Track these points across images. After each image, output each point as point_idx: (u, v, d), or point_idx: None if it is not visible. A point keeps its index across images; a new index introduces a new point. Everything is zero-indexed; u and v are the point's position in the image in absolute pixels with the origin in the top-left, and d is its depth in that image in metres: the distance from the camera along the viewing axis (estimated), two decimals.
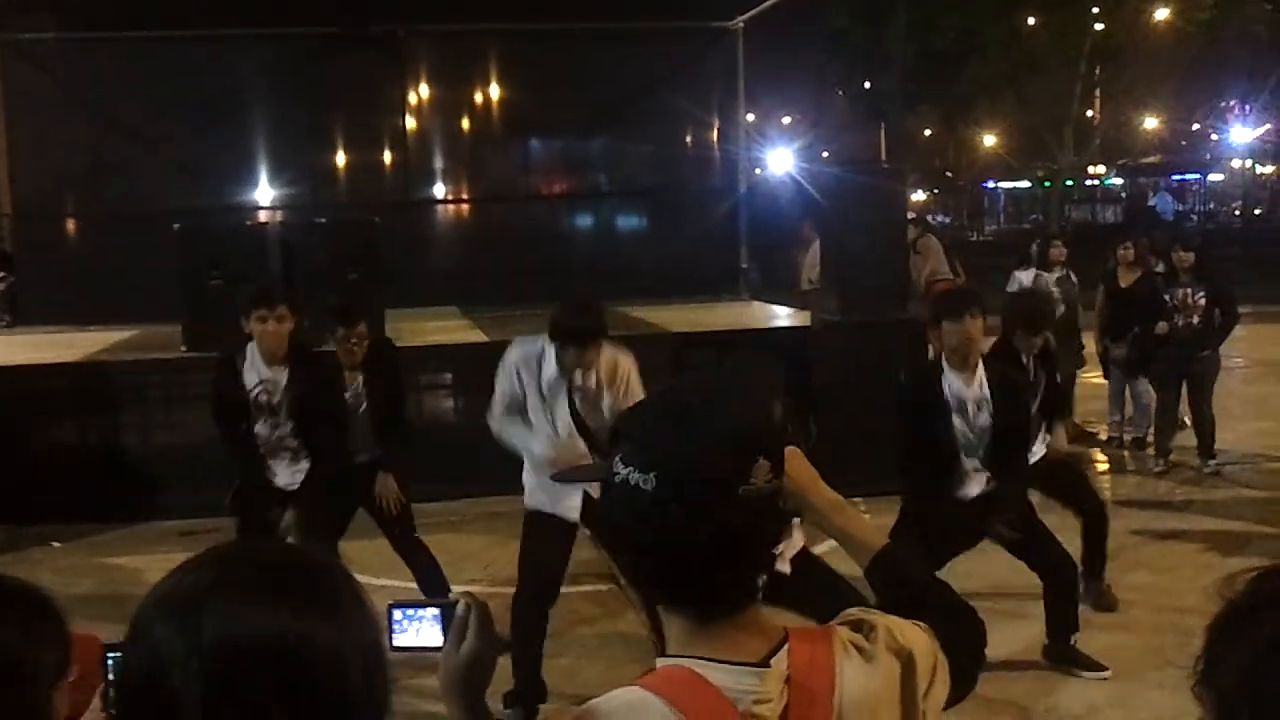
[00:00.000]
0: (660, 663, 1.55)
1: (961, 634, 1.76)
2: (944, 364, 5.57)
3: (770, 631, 1.56)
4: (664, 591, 1.57)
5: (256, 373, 5.66)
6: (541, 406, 5.36)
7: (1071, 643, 5.76)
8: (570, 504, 5.22)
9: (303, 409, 5.70)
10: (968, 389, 5.50)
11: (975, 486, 5.61)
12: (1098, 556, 6.44)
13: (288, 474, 5.77)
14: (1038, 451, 6.25)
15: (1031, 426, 6.11)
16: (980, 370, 5.55)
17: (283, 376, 5.66)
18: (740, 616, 1.55)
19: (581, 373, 5.27)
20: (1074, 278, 10.47)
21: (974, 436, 5.52)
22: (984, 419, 5.49)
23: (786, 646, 1.54)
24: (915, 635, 1.64)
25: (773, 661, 1.52)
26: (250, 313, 5.58)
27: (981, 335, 5.58)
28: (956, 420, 5.53)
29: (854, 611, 1.67)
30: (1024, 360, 6.32)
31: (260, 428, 5.69)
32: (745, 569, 1.54)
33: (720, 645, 1.53)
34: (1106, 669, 5.68)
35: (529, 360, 5.38)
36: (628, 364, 5.39)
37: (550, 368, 5.31)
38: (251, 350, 5.65)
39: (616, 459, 1.54)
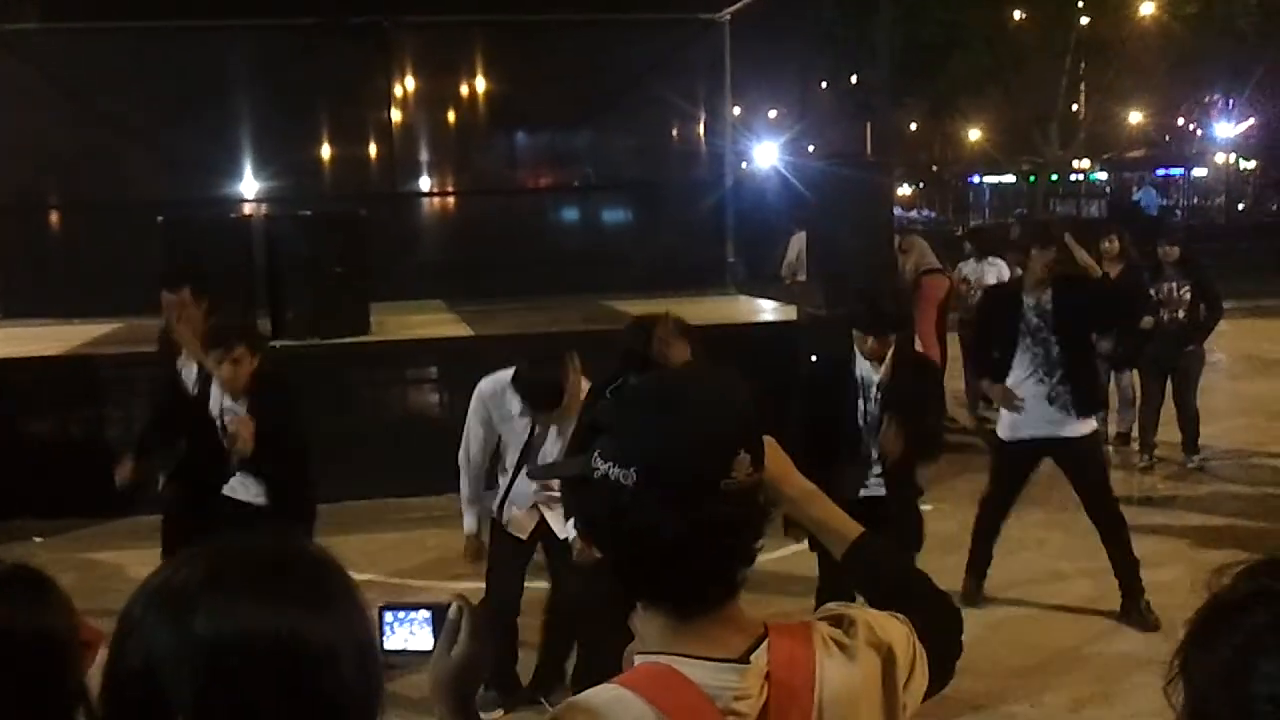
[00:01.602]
0: (638, 659, 1.54)
1: (939, 625, 1.76)
2: (855, 350, 5.50)
3: (749, 627, 1.55)
4: (643, 588, 1.55)
5: (220, 401, 5.51)
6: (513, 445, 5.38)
7: None
8: (521, 523, 5.36)
9: (264, 442, 5.38)
10: (875, 374, 5.45)
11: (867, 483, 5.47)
12: (1126, 572, 6.37)
13: (247, 488, 5.53)
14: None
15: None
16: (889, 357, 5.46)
17: (243, 409, 5.41)
18: (720, 612, 1.54)
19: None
20: None
21: (871, 423, 5.44)
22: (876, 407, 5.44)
23: (766, 642, 1.53)
24: (895, 628, 1.64)
25: (752, 657, 1.51)
26: (209, 352, 5.45)
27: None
28: (860, 404, 5.46)
29: (833, 606, 1.68)
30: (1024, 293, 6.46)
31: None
32: (727, 564, 1.53)
33: (699, 641, 1.51)
34: None
35: (496, 395, 5.33)
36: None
37: (515, 407, 5.26)
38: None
39: (595, 454, 1.53)
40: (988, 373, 6.84)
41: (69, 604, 1.61)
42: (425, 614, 1.64)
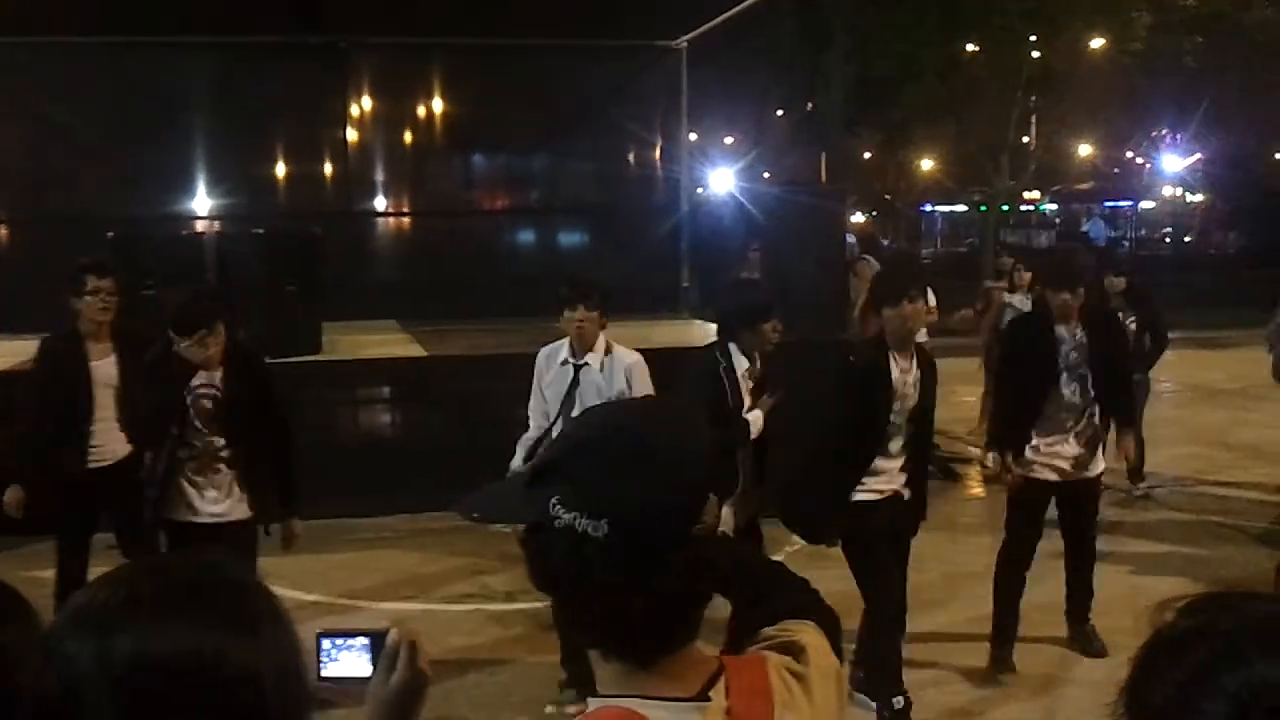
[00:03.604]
0: (593, 703, 1.49)
1: (817, 611, 1.77)
2: (889, 347, 5.54)
3: (704, 663, 1.52)
4: (604, 638, 1.50)
5: (196, 375, 5.34)
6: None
7: None
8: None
9: (244, 418, 5.37)
10: (907, 374, 5.52)
11: (888, 483, 5.55)
12: (1082, 601, 6.43)
13: (215, 501, 5.40)
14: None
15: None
16: (915, 355, 5.59)
17: (216, 383, 5.35)
18: (680, 653, 1.50)
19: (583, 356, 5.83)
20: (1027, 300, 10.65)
21: (899, 420, 5.52)
22: (910, 402, 5.53)
23: (723, 678, 1.51)
24: (827, 648, 1.64)
25: (711, 694, 1.48)
26: (173, 339, 5.27)
27: (921, 319, 5.67)
28: (898, 403, 5.52)
29: (771, 631, 1.65)
30: (1054, 325, 6.10)
31: (194, 438, 5.35)
32: (690, 610, 1.50)
33: (656, 681, 1.47)
34: None
35: (548, 356, 5.95)
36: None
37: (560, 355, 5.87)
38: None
39: (553, 502, 1.44)
40: (1013, 420, 6.26)
41: (31, 615, 1.60)
42: (364, 641, 1.63)
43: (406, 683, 1.59)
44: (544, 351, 6.03)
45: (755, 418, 5.66)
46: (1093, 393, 6.10)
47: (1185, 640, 1.13)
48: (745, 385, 5.70)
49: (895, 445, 5.51)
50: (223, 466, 5.39)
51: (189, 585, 1.28)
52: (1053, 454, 6.14)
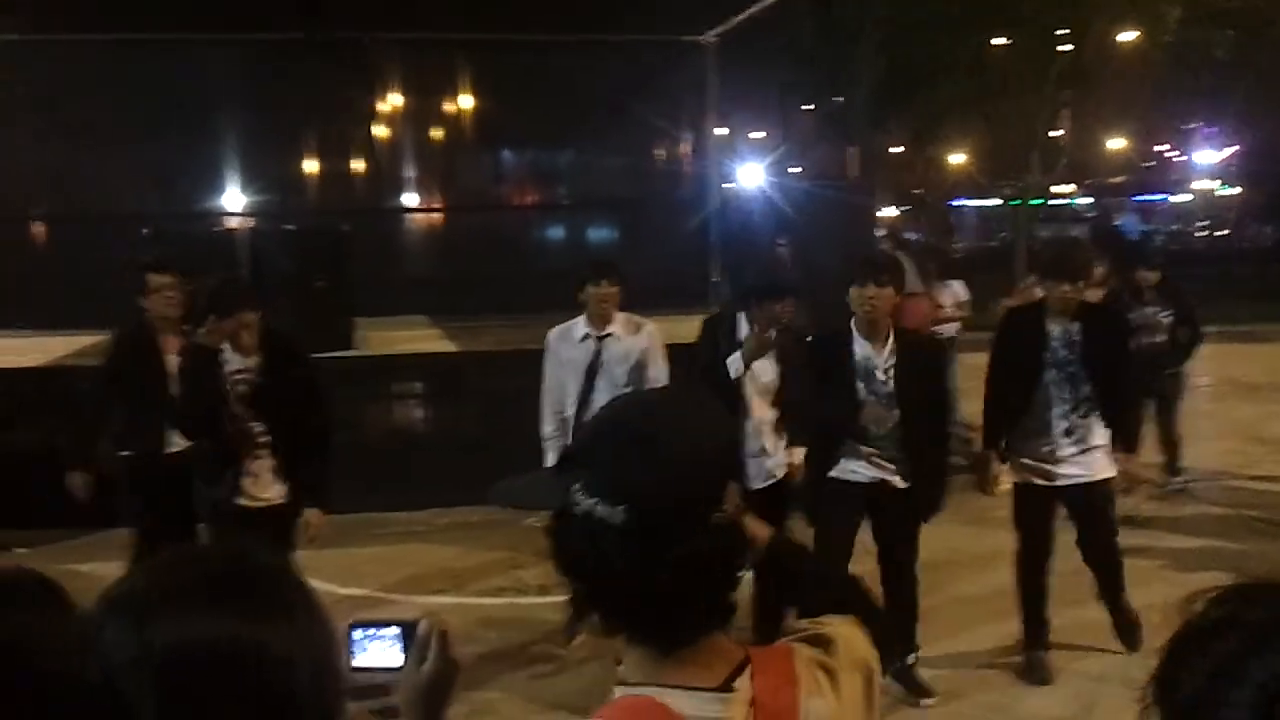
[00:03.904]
0: (619, 691, 1.50)
1: (865, 612, 1.75)
2: (852, 329, 5.54)
3: (730, 654, 1.52)
4: (628, 625, 1.50)
5: (232, 361, 5.42)
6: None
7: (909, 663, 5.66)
8: None
9: (281, 403, 5.42)
10: (877, 356, 5.49)
11: (871, 469, 5.57)
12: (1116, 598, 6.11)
13: (255, 485, 5.46)
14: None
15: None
16: (891, 339, 5.52)
17: (255, 364, 5.42)
18: (705, 642, 1.50)
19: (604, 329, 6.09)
20: None
21: (881, 402, 5.51)
22: (889, 386, 5.51)
23: (748, 669, 1.51)
24: (863, 642, 1.63)
25: (736, 685, 1.48)
26: (203, 323, 5.40)
27: (889, 304, 5.49)
28: (861, 386, 5.50)
29: (804, 624, 1.66)
30: (1047, 324, 5.76)
31: (234, 423, 5.40)
32: (715, 597, 1.50)
33: (681, 671, 1.48)
34: (933, 695, 5.64)
35: (561, 336, 6.22)
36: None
37: (577, 332, 6.16)
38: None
39: (575, 489, 1.46)
40: (1002, 410, 6.01)
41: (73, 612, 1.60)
42: (395, 631, 1.63)
43: (438, 672, 1.60)
44: (555, 331, 6.22)
45: (733, 361, 5.79)
46: (1085, 391, 5.76)
47: (1213, 630, 1.12)
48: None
49: (876, 430, 5.51)
50: (263, 453, 5.46)
51: (226, 575, 1.29)
52: (1042, 457, 5.85)
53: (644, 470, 1.43)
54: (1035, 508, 5.94)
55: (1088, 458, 5.85)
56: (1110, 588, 6.12)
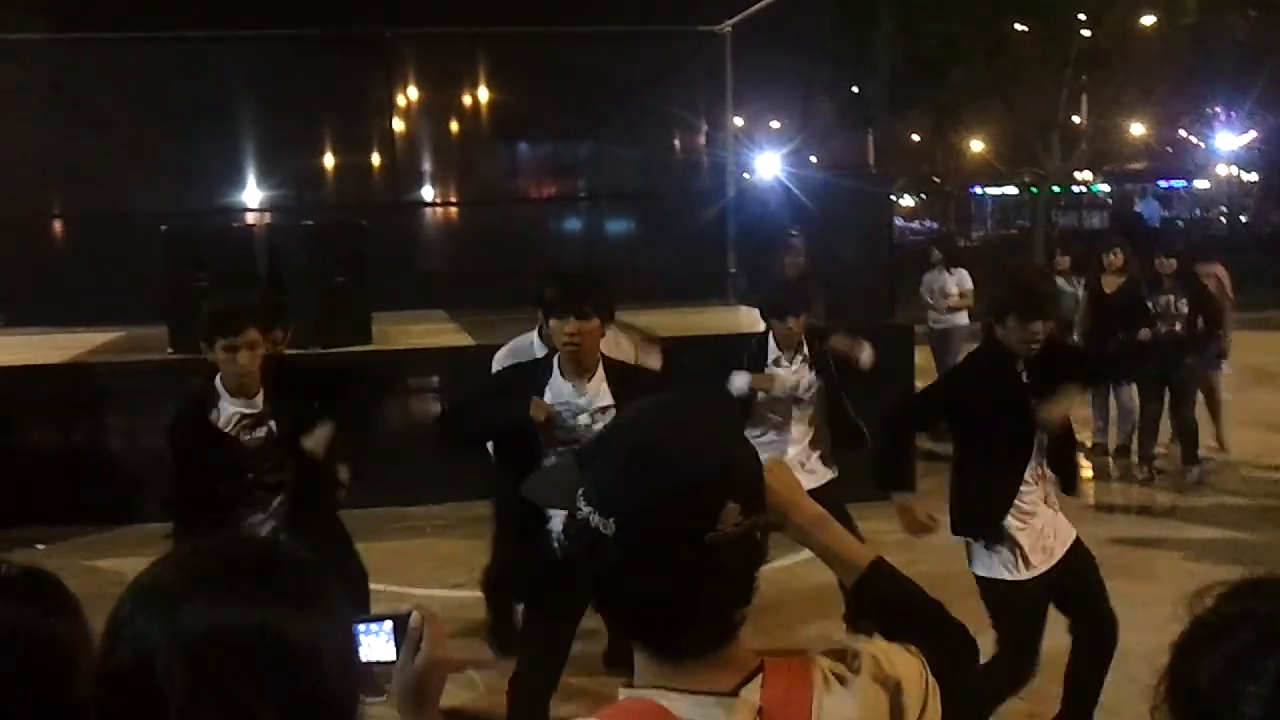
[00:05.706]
0: (623, 694, 1.50)
1: (955, 656, 1.70)
2: (554, 366, 4.63)
3: (744, 663, 1.49)
4: (629, 631, 1.50)
5: (229, 407, 4.77)
6: None
7: None
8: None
9: (290, 447, 4.79)
10: (580, 397, 4.54)
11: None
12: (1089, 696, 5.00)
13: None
14: None
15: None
16: (600, 374, 4.61)
17: (259, 408, 4.78)
18: (713, 654, 1.48)
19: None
20: (1075, 284, 10.58)
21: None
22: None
23: (759, 677, 1.48)
24: (905, 662, 1.58)
25: (743, 691, 1.46)
26: (213, 341, 4.66)
27: (594, 336, 4.55)
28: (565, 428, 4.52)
29: (841, 639, 1.64)
30: (1018, 366, 4.67)
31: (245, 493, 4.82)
32: (715, 615, 1.47)
33: (689, 676, 1.46)
34: None
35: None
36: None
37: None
38: (219, 381, 4.76)
39: (580, 492, 1.46)
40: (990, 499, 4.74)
41: (79, 609, 1.62)
42: (388, 625, 1.64)
43: (431, 663, 1.61)
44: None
45: (739, 379, 6.09)
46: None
47: (1227, 624, 1.14)
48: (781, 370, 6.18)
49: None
50: (270, 496, 4.89)
51: (252, 562, 1.33)
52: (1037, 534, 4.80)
53: (635, 485, 1.42)
54: (1034, 603, 4.94)
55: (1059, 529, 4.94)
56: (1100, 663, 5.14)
